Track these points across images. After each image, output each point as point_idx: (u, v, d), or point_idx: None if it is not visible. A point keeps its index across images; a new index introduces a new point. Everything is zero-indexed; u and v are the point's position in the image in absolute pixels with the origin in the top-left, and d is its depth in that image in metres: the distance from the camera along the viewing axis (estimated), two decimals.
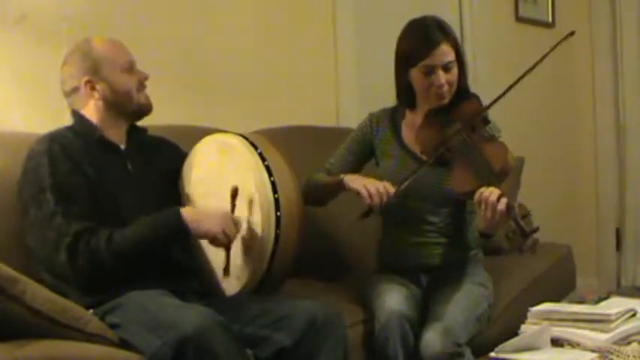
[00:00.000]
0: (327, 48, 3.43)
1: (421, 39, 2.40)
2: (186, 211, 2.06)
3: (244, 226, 2.11)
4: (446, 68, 2.39)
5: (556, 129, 4.51)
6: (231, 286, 2.18)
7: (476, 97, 2.47)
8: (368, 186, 2.27)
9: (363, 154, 2.58)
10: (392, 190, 2.28)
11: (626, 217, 4.63)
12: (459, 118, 2.38)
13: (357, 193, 2.29)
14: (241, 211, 2.13)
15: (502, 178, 2.25)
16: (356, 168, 2.56)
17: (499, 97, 2.40)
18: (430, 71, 2.39)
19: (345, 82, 3.46)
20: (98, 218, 2.03)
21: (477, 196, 2.20)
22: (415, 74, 2.43)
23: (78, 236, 1.97)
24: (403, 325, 2.25)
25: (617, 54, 4.60)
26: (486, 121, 2.44)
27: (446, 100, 2.43)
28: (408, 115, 2.56)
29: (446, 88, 2.41)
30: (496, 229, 2.24)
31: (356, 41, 3.48)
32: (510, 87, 2.40)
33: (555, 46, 2.37)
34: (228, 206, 2.13)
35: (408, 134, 2.53)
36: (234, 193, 2.13)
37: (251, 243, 2.11)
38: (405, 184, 2.31)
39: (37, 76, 2.56)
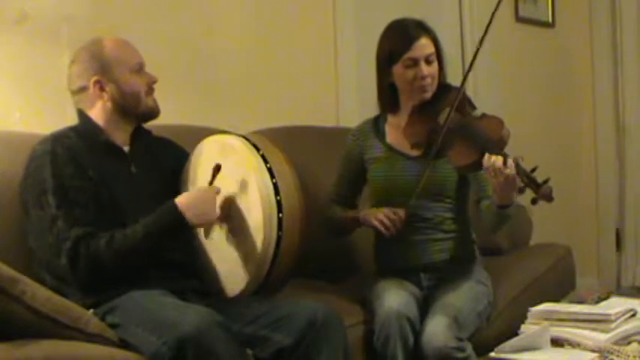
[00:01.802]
0: (327, 48, 3.43)
1: (402, 35, 2.48)
2: (181, 203, 2.06)
3: (224, 194, 2.13)
4: (427, 61, 2.45)
5: (556, 129, 4.51)
6: (232, 287, 2.18)
7: (459, 87, 2.48)
8: (379, 216, 2.39)
9: (360, 171, 2.59)
10: (402, 213, 2.38)
11: (626, 217, 4.63)
12: (449, 104, 2.41)
13: (373, 227, 2.43)
14: (241, 208, 2.14)
15: (502, 146, 2.28)
16: (359, 187, 2.62)
17: (468, 72, 2.45)
18: (413, 64, 2.45)
19: (345, 82, 3.46)
20: (101, 221, 2.03)
21: (485, 164, 2.23)
22: (398, 70, 2.47)
23: (78, 240, 1.96)
24: (403, 325, 2.25)
25: (617, 54, 4.60)
26: (473, 106, 2.46)
27: (429, 94, 2.47)
28: (391, 118, 2.58)
29: (429, 80, 2.46)
30: (511, 196, 2.27)
31: (356, 41, 3.47)
32: (473, 60, 2.44)
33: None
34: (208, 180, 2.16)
35: (392, 135, 2.55)
36: (216, 171, 2.15)
37: (253, 245, 2.11)
38: (416, 193, 2.38)
39: (37, 76, 2.56)
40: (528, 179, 2.17)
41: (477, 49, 2.42)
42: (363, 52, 3.46)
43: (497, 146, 2.25)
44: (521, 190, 2.20)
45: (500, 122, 2.33)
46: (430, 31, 2.49)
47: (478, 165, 2.25)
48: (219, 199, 2.12)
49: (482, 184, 2.46)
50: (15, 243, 2.10)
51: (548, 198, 2.15)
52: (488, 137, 2.28)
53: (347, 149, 2.63)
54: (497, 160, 2.19)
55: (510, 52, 4.14)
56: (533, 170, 2.18)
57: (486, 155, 2.22)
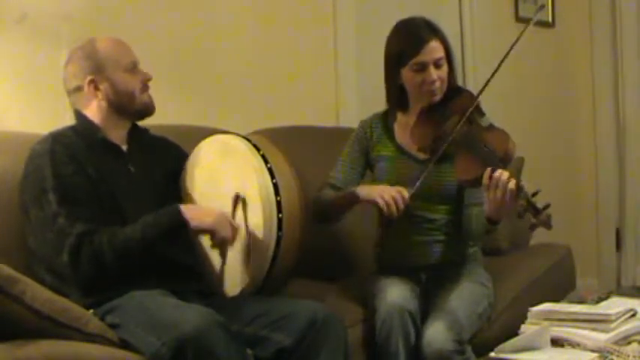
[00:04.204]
0: (327, 48, 3.43)
1: (411, 37, 2.43)
2: (185, 207, 2.07)
3: (242, 233, 2.12)
4: (437, 65, 2.42)
5: (556, 129, 4.51)
6: (232, 287, 2.18)
7: (468, 92, 2.47)
8: (384, 195, 2.27)
9: (364, 163, 2.58)
10: (406, 194, 2.28)
11: (626, 217, 4.63)
12: (455, 112, 2.39)
13: (374, 204, 2.30)
14: (242, 214, 2.13)
15: (507, 163, 2.27)
16: (359, 178, 2.58)
17: (487, 83, 2.42)
18: (421, 68, 2.41)
19: (345, 82, 3.46)
20: (100, 219, 2.03)
21: (485, 179, 2.21)
22: (406, 73, 2.44)
23: (81, 237, 1.97)
24: (405, 320, 2.25)
25: (617, 54, 4.60)
26: (482, 113, 2.45)
27: (438, 97, 2.45)
28: (400, 116, 2.57)
29: (437, 84, 2.43)
30: (504, 213, 2.24)
31: (356, 41, 3.48)
32: (494, 72, 2.42)
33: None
34: (229, 210, 2.14)
35: (401, 135, 2.54)
36: (236, 201, 2.14)
37: (253, 245, 2.11)
38: (418, 183, 2.31)
39: (37, 76, 2.56)
40: (528, 204, 2.13)
41: (498, 66, 2.38)
42: (363, 52, 3.46)
43: (501, 163, 2.24)
44: (520, 215, 2.17)
45: (506, 137, 2.31)
46: (439, 33, 2.44)
47: (480, 181, 2.24)
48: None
49: (478, 191, 2.43)
50: (15, 243, 2.10)
51: (547, 225, 2.12)
52: (493, 153, 2.26)
53: (354, 138, 2.59)
54: (502, 174, 2.17)
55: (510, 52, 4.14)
56: (535, 194, 2.15)
57: (488, 170, 2.20)
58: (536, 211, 2.12)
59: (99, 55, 2.18)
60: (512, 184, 2.16)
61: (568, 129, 4.63)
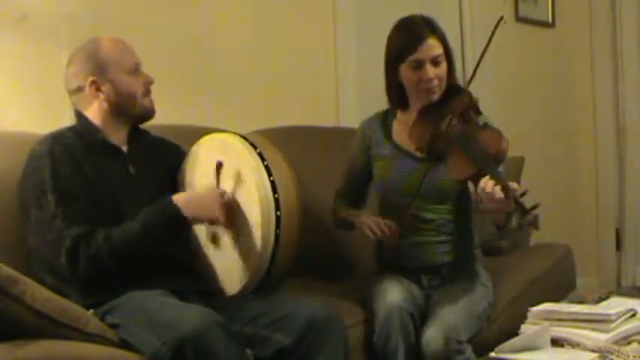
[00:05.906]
0: (327, 48, 3.43)
1: (408, 35, 2.44)
2: (178, 198, 2.07)
3: (229, 196, 2.13)
4: (434, 62, 2.41)
5: (556, 129, 4.51)
6: (232, 285, 2.18)
7: (466, 92, 2.47)
8: (373, 228, 2.39)
9: (367, 164, 2.57)
10: (393, 227, 2.38)
11: (626, 217, 4.63)
12: (452, 111, 2.39)
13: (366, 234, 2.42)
14: (242, 207, 2.14)
15: (499, 162, 2.26)
16: (366, 181, 2.59)
17: (473, 75, 2.43)
18: (419, 65, 2.41)
19: (345, 82, 3.46)
20: (99, 220, 2.03)
21: (472, 195, 2.21)
22: (405, 70, 2.44)
23: (78, 240, 1.97)
24: (404, 320, 2.25)
25: (617, 54, 4.60)
26: (478, 112, 2.44)
27: (436, 96, 2.44)
28: (400, 114, 2.56)
29: (435, 82, 2.42)
30: (506, 218, 2.23)
31: (356, 41, 3.48)
32: (477, 65, 2.42)
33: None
34: (214, 182, 2.16)
35: (400, 133, 2.54)
36: (219, 168, 2.15)
37: (251, 243, 2.11)
38: (415, 201, 2.39)
39: (38, 77, 2.56)
40: (516, 204, 2.10)
41: (479, 60, 2.38)
42: (363, 52, 3.46)
43: (494, 162, 2.23)
44: (508, 214, 2.16)
45: (499, 136, 2.30)
46: (438, 31, 2.44)
47: (471, 180, 2.25)
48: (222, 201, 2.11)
49: None
50: (15, 243, 2.10)
51: (534, 226, 2.09)
52: (485, 152, 2.25)
53: (356, 142, 2.60)
54: (486, 185, 2.14)
55: (510, 52, 4.14)
56: (523, 195, 2.12)
57: (471, 186, 2.21)
58: (523, 212, 2.10)
59: (101, 55, 2.17)
60: (497, 191, 2.13)
61: (568, 129, 4.63)
